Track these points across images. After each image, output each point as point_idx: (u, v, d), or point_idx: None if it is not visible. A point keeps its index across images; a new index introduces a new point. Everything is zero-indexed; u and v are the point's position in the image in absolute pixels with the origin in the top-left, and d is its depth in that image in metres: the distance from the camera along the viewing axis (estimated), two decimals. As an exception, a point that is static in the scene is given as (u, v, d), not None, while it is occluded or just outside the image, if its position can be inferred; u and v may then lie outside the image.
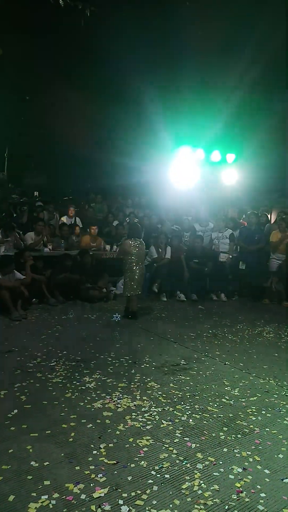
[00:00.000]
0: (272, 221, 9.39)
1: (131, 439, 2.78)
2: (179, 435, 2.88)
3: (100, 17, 8.05)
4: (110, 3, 8.08)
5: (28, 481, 2.30)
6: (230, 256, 7.92)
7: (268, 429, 3.03)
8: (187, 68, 9.21)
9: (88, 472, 2.41)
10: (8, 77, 9.06)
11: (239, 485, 2.37)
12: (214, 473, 2.47)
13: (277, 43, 8.74)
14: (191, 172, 10.12)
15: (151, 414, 3.16)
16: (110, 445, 2.71)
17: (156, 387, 3.67)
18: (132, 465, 2.50)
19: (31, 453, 2.57)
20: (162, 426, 2.99)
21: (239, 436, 2.93)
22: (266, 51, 8.94)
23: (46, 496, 2.19)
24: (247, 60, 9.16)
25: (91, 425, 2.95)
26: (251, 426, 3.07)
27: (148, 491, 2.28)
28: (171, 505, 2.19)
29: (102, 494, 2.23)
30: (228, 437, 2.90)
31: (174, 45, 9.15)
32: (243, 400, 3.51)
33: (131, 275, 5.86)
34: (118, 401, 3.33)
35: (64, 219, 8.58)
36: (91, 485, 2.30)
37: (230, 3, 8.31)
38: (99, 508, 2.13)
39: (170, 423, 3.04)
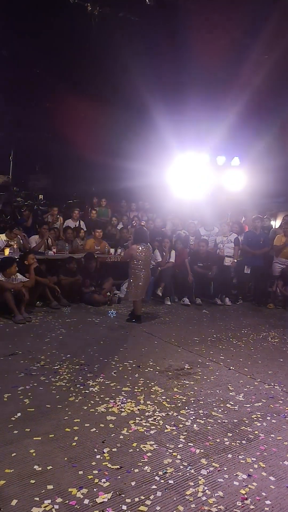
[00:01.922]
0: (277, 226, 9.36)
1: (134, 444, 2.76)
2: (183, 440, 2.85)
3: (105, 21, 8.10)
4: (116, 7, 8.12)
5: (31, 485, 2.29)
6: (235, 260, 7.90)
7: (273, 435, 3.00)
8: (192, 71, 9.23)
9: (92, 476, 2.39)
10: (12, 80, 9.12)
11: (244, 492, 2.34)
12: (219, 479, 2.44)
13: (284, 46, 8.74)
14: (196, 176, 10.12)
15: (155, 418, 3.13)
16: (113, 449, 2.69)
17: (160, 391, 3.64)
18: (136, 470, 2.48)
19: (34, 457, 2.56)
20: (166, 431, 2.97)
21: (243, 442, 2.90)
22: (272, 54, 8.94)
23: (49, 501, 2.17)
24: (252, 63, 9.17)
25: (94, 429, 2.93)
26: (256, 432, 3.04)
27: (151, 497, 2.25)
28: (175, 511, 2.16)
29: (106, 499, 2.21)
30: (232, 443, 2.87)
31: (179, 49, 9.17)
32: (247, 405, 3.48)
33: (135, 280, 5.85)
34: (121, 405, 3.31)
35: (68, 222, 8.60)
36: (95, 490, 2.28)
37: (236, 7, 8.32)
38: (102, 514, 2.11)
39: (174, 428, 3.02)
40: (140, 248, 5.82)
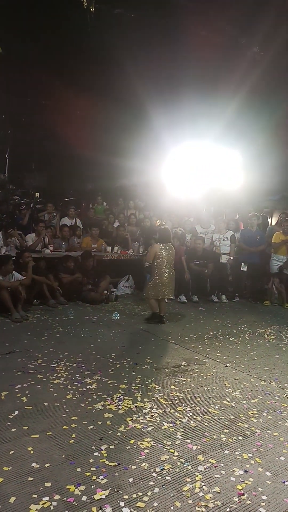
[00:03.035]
0: (273, 223, 9.39)
1: (132, 441, 2.78)
2: (180, 437, 2.87)
3: (102, 18, 8.08)
4: (113, 3, 8.12)
5: (29, 483, 2.30)
6: (231, 258, 7.93)
7: (269, 431, 3.03)
8: (189, 69, 9.23)
9: (89, 473, 2.41)
10: (8, 78, 9.08)
11: (240, 488, 2.36)
12: (216, 475, 2.47)
13: (281, 44, 8.75)
14: (191, 173, 10.13)
15: (152, 415, 3.15)
16: (111, 446, 2.70)
17: (157, 388, 3.66)
18: (133, 467, 2.50)
19: (32, 454, 2.57)
20: (163, 428, 2.99)
21: (240, 438, 2.92)
22: (270, 52, 8.95)
23: (47, 498, 2.18)
24: (249, 61, 9.17)
25: (92, 426, 2.94)
26: (253, 428, 3.07)
27: (149, 493, 2.27)
28: (172, 507, 2.18)
29: (103, 496, 2.22)
30: (229, 439, 2.89)
31: (176, 47, 9.16)
32: (244, 402, 3.51)
33: (160, 278, 5.80)
34: (119, 402, 3.33)
35: (64, 220, 8.59)
36: (92, 486, 2.30)
37: (232, 6, 8.32)
38: (100, 510, 2.12)
39: (171, 425, 3.04)
40: (162, 247, 5.84)
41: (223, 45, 9.25)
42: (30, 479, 2.33)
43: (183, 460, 2.60)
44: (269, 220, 10.95)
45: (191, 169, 10.07)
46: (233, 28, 9.24)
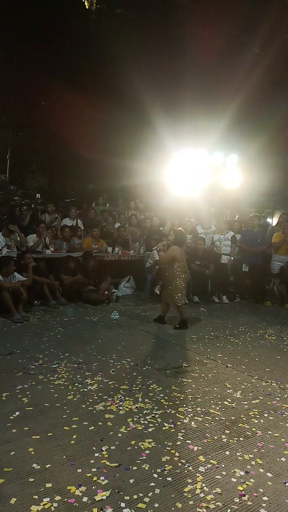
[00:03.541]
0: (274, 223, 9.38)
1: (133, 442, 2.78)
2: (181, 438, 2.87)
3: (104, 19, 8.09)
4: (115, 5, 8.13)
5: (30, 484, 2.30)
6: (232, 258, 7.93)
7: (270, 432, 3.02)
8: (189, 70, 9.24)
9: (90, 474, 2.41)
10: (10, 79, 9.10)
11: (241, 489, 2.36)
12: (217, 476, 2.46)
13: (279, 47, 8.76)
14: (192, 174, 10.12)
15: (153, 416, 3.15)
16: (112, 447, 2.70)
17: (158, 389, 3.66)
18: (134, 468, 2.49)
19: (33, 455, 2.57)
20: (164, 428, 2.98)
21: (241, 439, 2.91)
22: (269, 52, 8.95)
23: (48, 499, 2.18)
24: (250, 62, 9.17)
25: (93, 427, 2.94)
26: (253, 429, 3.06)
27: (150, 494, 2.27)
28: (173, 508, 2.18)
29: (104, 497, 2.22)
30: (230, 440, 2.88)
31: (176, 48, 9.17)
32: (245, 402, 3.50)
33: (179, 283, 5.67)
34: (120, 403, 3.33)
35: (66, 221, 8.60)
36: (93, 487, 2.29)
37: (232, 7, 8.33)
38: (101, 511, 2.12)
39: (172, 425, 3.03)
40: (180, 250, 5.76)
41: (224, 46, 9.26)
42: (31, 480, 2.33)
43: (184, 461, 2.60)
44: (269, 220, 10.94)
45: (191, 169, 10.06)
46: (234, 29, 9.25)
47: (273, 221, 10.85)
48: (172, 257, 5.65)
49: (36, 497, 2.20)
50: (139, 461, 2.56)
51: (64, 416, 3.08)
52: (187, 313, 6.73)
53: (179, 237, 5.84)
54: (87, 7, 8.34)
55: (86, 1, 8.09)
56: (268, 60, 9.47)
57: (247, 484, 2.40)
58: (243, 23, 9.13)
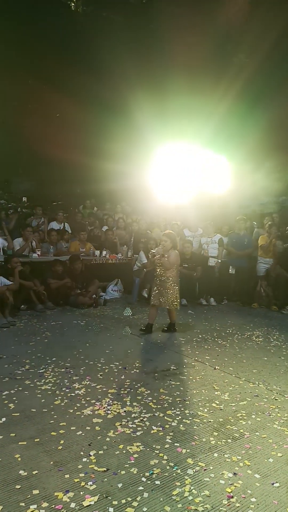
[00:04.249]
0: (260, 226, 9.46)
1: (121, 446, 2.76)
2: (170, 441, 2.87)
3: (89, 21, 8.09)
4: (101, 8, 8.14)
5: (17, 491, 2.27)
6: (219, 261, 7.98)
7: (258, 434, 3.04)
8: (176, 73, 9.30)
9: (78, 480, 2.38)
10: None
11: (229, 490, 2.36)
12: (205, 479, 2.46)
13: (268, 48, 8.88)
14: (179, 177, 10.17)
15: (141, 420, 3.14)
16: (100, 452, 2.68)
17: (146, 392, 3.65)
18: (123, 472, 2.48)
19: (19, 461, 2.54)
20: (152, 432, 2.98)
21: (229, 440, 2.92)
22: (256, 58, 9.07)
23: (35, 506, 2.15)
24: (237, 63, 9.28)
25: (80, 432, 2.92)
26: (241, 430, 3.08)
27: (138, 498, 2.26)
28: (161, 512, 2.17)
29: (92, 502, 2.20)
30: (218, 442, 2.89)
31: (163, 51, 9.23)
32: (233, 404, 3.52)
33: (178, 287, 5.58)
34: (108, 407, 3.31)
35: (53, 224, 8.55)
36: (81, 493, 2.27)
37: (221, 11, 8.43)
38: (89, 517, 2.10)
39: (160, 428, 3.03)
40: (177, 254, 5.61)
41: (210, 51, 9.35)
42: (18, 487, 2.30)
43: (172, 464, 2.59)
44: (255, 223, 11.05)
45: (178, 173, 10.12)
46: (220, 35, 9.36)
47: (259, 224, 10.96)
48: (173, 263, 5.47)
49: (23, 504, 2.16)
50: (127, 465, 2.55)
51: (51, 422, 3.05)
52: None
53: (175, 240, 5.71)
54: (72, 8, 8.34)
55: (72, 3, 8.09)
56: (254, 64, 9.60)
57: (235, 486, 2.40)
58: (232, 27, 9.24)
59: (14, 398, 3.40)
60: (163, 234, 5.76)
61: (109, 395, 3.55)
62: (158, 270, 5.57)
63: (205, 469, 2.56)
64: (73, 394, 3.53)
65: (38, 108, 10.32)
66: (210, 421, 3.19)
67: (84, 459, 2.59)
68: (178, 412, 3.31)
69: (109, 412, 3.23)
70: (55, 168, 11.37)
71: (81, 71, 9.52)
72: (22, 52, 8.77)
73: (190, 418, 3.22)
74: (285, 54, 9.83)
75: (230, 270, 7.92)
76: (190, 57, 8.98)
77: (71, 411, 3.23)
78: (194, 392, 3.74)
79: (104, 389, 3.67)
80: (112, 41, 8.95)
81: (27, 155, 11.79)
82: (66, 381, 3.82)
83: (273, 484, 2.44)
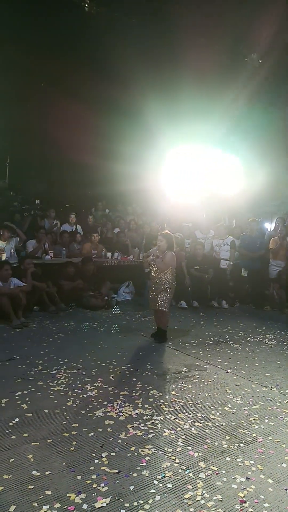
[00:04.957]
0: (272, 228, 9.41)
1: (133, 448, 2.76)
2: (182, 444, 2.86)
3: (101, 22, 8.12)
4: (114, 10, 8.16)
5: (29, 491, 2.28)
6: (231, 263, 7.94)
7: (271, 438, 3.01)
8: (188, 75, 9.28)
9: (90, 481, 2.39)
10: (6, 84, 9.13)
11: (242, 495, 2.34)
12: (217, 483, 2.45)
13: (281, 50, 8.81)
14: (191, 179, 10.17)
15: (153, 422, 3.13)
16: (112, 454, 2.69)
17: (158, 395, 3.65)
18: (134, 475, 2.48)
19: (32, 462, 2.56)
20: (164, 434, 2.97)
21: (241, 445, 2.90)
22: (269, 60, 9.00)
23: (48, 506, 2.17)
24: (249, 68, 9.22)
25: (92, 433, 2.93)
26: (254, 434, 3.05)
27: (150, 501, 2.25)
28: (173, 515, 2.16)
29: (104, 504, 2.21)
30: (230, 446, 2.87)
31: (174, 52, 9.22)
32: (245, 408, 3.49)
33: (173, 290, 5.34)
34: (119, 409, 3.31)
35: (65, 226, 8.61)
36: (93, 494, 2.28)
37: (234, 12, 8.39)
38: (101, 519, 2.11)
39: (172, 431, 3.02)
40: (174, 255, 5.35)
41: (221, 53, 9.32)
42: (31, 487, 2.32)
43: (184, 467, 2.58)
44: (268, 225, 10.96)
45: (190, 174, 10.11)
46: (232, 36, 9.31)
47: (272, 226, 10.88)
48: (169, 264, 5.24)
49: (36, 504, 2.18)
50: (139, 468, 2.55)
51: (63, 423, 3.07)
52: (187, 318, 6.73)
53: (172, 241, 5.38)
54: (86, 9, 8.39)
55: (85, 5, 8.14)
56: (267, 66, 9.54)
57: (248, 491, 2.38)
58: (242, 29, 9.18)
59: (27, 399, 3.43)
60: (159, 234, 5.45)
61: (121, 397, 3.56)
62: (153, 272, 5.33)
63: (217, 473, 2.54)
64: (85, 396, 3.55)
65: (51, 111, 10.40)
66: (222, 425, 3.18)
67: (96, 461, 2.60)
68: (190, 415, 3.30)
69: (121, 414, 3.24)
70: (68, 171, 11.44)
71: (93, 73, 9.56)
72: (34, 55, 8.85)
73: (202, 421, 3.21)
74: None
75: (242, 273, 7.87)
76: (202, 58, 8.95)
77: (83, 412, 3.24)
78: (206, 395, 3.72)
79: (116, 391, 3.68)
80: (124, 42, 8.97)
81: (40, 158, 11.90)
82: (78, 382, 3.84)
83: (286, 489, 2.42)
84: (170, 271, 5.29)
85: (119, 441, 2.85)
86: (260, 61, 9.64)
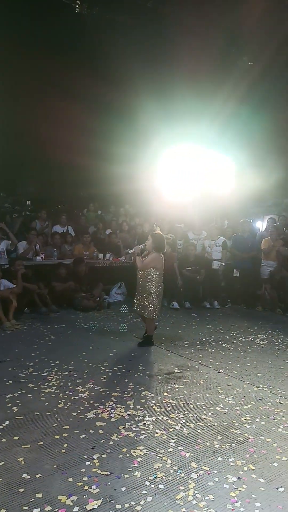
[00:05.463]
0: (263, 229, 9.48)
1: (124, 449, 2.75)
2: (173, 445, 2.85)
3: (93, 26, 8.12)
4: (106, 10, 8.15)
5: (20, 494, 2.26)
6: (223, 264, 7.96)
7: (262, 437, 3.02)
8: (181, 75, 9.31)
9: (81, 483, 2.37)
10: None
11: (234, 495, 2.34)
12: (209, 483, 2.45)
13: (272, 52, 8.88)
14: (183, 180, 10.19)
15: (145, 423, 3.13)
16: (103, 455, 2.67)
17: (149, 396, 3.64)
18: (126, 476, 2.47)
19: (23, 465, 2.53)
20: (156, 435, 2.96)
21: (233, 444, 2.91)
22: (260, 62, 9.07)
23: (38, 510, 2.14)
24: (242, 67, 9.28)
25: (84, 435, 2.91)
26: (246, 434, 3.06)
27: (142, 502, 2.24)
28: (165, 516, 2.16)
29: (96, 506, 2.19)
30: (222, 446, 2.87)
31: (166, 54, 9.25)
32: (237, 408, 3.50)
33: (161, 294, 5.13)
34: (111, 410, 3.30)
35: (56, 228, 8.57)
36: (84, 497, 2.26)
37: (226, 14, 8.44)
38: (92, 521, 2.09)
39: (164, 432, 3.01)
40: (160, 258, 5.10)
41: (214, 54, 9.37)
42: (21, 490, 2.29)
43: (176, 468, 2.58)
44: (258, 224, 11.04)
45: (183, 175, 10.13)
46: (223, 38, 9.36)
47: (263, 227, 10.95)
48: (153, 265, 5.01)
49: (26, 508, 2.16)
50: (131, 469, 2.54)
51: (54, 425, 3.04)
52: (179, 318, 6.73)
53: (159, 242, 5.09)
54: (77, 11, 8.38)
55: (76, 6, 8.13)
56: (258, 68, 9.60)
57: (239, 490, 2.39)
58: (233, 31, 9.24)
59: (18, 401, 3.40)
60: (150, 234, 5.26)
61: (112, 398, 3.54)
62: (138, 273, 5.13)
63: (209, 473, 2.54)
64: (76, 397, 3.53)
65: (42, 111, 10.35)
66: (214, 425, 3.18)
67: (88, 463, 2.58)
68: (182, 416, 3.30)
69: (112, 415, 3.22)
70: (59, 171, 11.39)
71: (85, 73, 9.54)
72: (27, 55, 8.81)
73: (194, 422, 3.20)
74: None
75: (234, 273, 7.91)
76: (195, 59, 8.99)
77: (75, 414, 3.22)
78: (198, 395, 3.72)
79: (108, 392, 3.66)
80: (117, 43, 8.98)
81: (31, 158, 11.83)
82: (69, 384, 3.81)
83: (277, 488, 2.43)
84: (154, 273, 5.02)
85: (111, 442, 2.83)
86: (251, 63, 9.72)
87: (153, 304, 5.01)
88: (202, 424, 3.17)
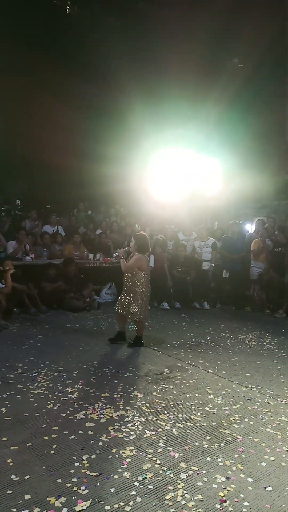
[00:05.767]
0: (253, 231, 9.55)
1: (114, 450, 2.75)
2: (163, 445, 2.86)
3: (83, 27, 8.11)
4: (95, 12, 8.16)
5: (8, 496, 2.24)
6: (213, 265, 8.01)
7: (251, 437, 3.05)
8: (170, 77, 9.35)
9: (70, 484, 2.37)
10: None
11: (222, 494, 2.36)
12: (198, 483, 2.46)
13: (260, 54, 8.98)
14: (174, 181, 10.22)
15: (134, 424, 3.13)
16: (92, 456, 2.67)
17: (139, 396, 3.64)
18: (115, 477, 2.47)
19: (11, 466, 2.51)
20: (145, 436, 2.97)
21: (222, 444, 2.92)
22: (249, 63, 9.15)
23: (27, 511, 2.13)
24: (231, 69, 9.36)
25: (73, 436, 2.90)
26: (234, 434, 3.08)
27: (131, 503, 2.25)
28: (154, 517, 2.16)
29: (85, 507, 2.19)
30: (211, 446, 2.89)
31: (157, 55, 9.28)
32: (226, 408, 3.52)
33: (148, 296, 5.11)
34: (101, 411, 3.29)
35: (46, 227, 8.52)
36: (73, 498, 2.26)
37: (214, 16, 8.50)
38: (81, 522, 2.09)
39: (153, 433, 3.02)
40: (145, 259, 5.05)
41: (203, 57, 9.43)
42: (9, 492, 2.28)
43: (165, 468, 2.59)
44: (247, 226, 11.11)
45: (172, 175, 10.16)
46: (213, 41, 9.43)
47: (252, 228, 11.04)
48: (137, 266, 4.95)
49: (15, 509, 2.14)
50: (120, 470, 2.54)
51: (43, 426, 3.03)
52: (169, 319, 6.75)
53: (142, 243, 5.02)
54: (67, 11, 8.37)
55: (67, 7, 8.13)
56: (247, 70, 9.70)
57: (228, 490, 2.40)
58: (223, 34, 9.32)
59: (6, 402, 3.37)
60: (133, 235, 5.19)
61: (102, 399, 3.54)
62: (125, 275, 5.08)
63: (198, 473, 2.56)
64: (66, 398, 3.51)
65: (32, 111, 10.30)
66: (203, 425, 3.19)
67: (77, 464, 2.57)
68: (171, 416, 3.31)
69: (102, 416, 3.22)
70: (49, 171, 11.34)
71: (75, 75, 9.52)
72: (16, 56, 8.76)
73: (183, 422, 3.22)
74: (277, 61, 9.95)
75: (224, 274, 7.95)
76: (184, 61, 9.04)
77: (64, 415, 3.21)
78: (188, 396, 3.74)
79: (97, 393, 3.66)
80: (106, 44, 8.98)
81: (21, 158, 11.75)
82: (59, 385, 3.80)
83: (265, 488, 2.45)
84: (139, 275, 4.97)
85: (100, 443, 2.83)
86: (241, 65, 9.81)
87: (137, 306, 4.98)
88: (192, 424, 3.19)
